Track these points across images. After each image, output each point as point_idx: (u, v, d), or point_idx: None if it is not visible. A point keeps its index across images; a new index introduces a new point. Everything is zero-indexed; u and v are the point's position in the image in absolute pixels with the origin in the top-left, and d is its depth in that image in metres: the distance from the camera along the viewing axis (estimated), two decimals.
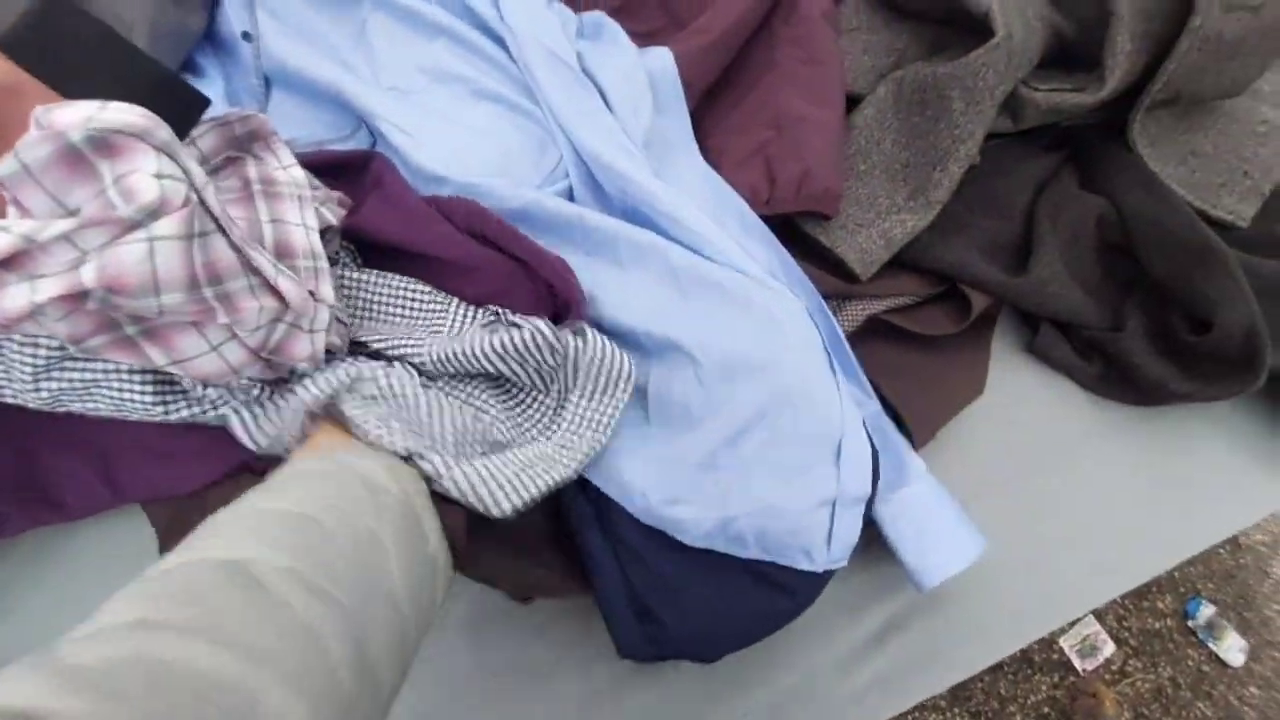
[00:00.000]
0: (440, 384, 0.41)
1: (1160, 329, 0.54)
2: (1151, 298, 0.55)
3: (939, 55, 0.55)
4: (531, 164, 0.49)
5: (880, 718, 0.47)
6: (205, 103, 0.36)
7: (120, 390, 0.38)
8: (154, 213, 0.29)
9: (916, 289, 0.54)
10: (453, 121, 0.49)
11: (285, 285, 0.34)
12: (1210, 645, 1.10)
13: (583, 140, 0.47)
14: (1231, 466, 0.56)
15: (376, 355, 0.41)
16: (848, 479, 0.39)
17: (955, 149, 0.51)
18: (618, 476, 0.40)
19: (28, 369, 0.37)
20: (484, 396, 0.42)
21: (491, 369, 0.40)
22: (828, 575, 0.40)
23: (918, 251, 0.54)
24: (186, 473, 0.41)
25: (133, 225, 0.29)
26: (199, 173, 0.31)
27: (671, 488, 0.39)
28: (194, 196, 0.30)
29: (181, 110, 0.35)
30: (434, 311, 0.43)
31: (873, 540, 0.45)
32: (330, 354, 0.39)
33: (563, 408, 0.41)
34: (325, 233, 0.40)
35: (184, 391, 0.39)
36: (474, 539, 0.36)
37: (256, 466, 0.41)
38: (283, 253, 0.37)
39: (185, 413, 0.39)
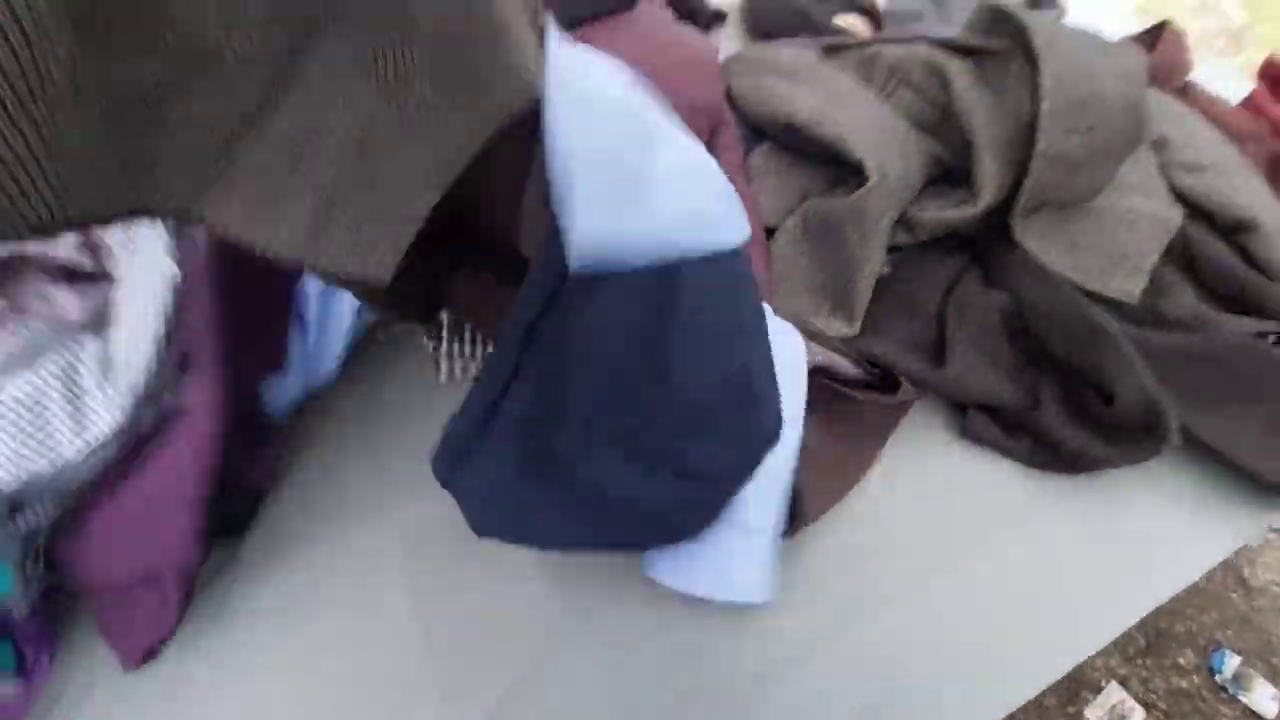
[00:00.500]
0: None
1: (1075, 402, 0.59)
2: (1063, 374, 0.60)
3: (838, 188, 0.64)
4: None
5: None
6: None
7: None
8: None
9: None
10: None
11: None
12: (1242, 698, 1.07)
13: None
14: (1175, 520, 0.59)
15: None
16: None
17: (860, 269, 0.58)
18: None
19: None
20: None
21: None
22: None
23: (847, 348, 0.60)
24: None
25: None
26: None
27: None
28: None
29: None
30: None
31: (835, 636, 0.48)
32: None
33: None
34: None
35: None
36: None
37: None
38: None
39: None
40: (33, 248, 0.42)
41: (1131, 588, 0.56)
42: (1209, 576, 1.07)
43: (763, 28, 0.93)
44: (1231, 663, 1.09)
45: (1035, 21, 0.60)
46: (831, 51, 0.75)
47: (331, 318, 0.52)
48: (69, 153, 0.22)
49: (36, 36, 0.20)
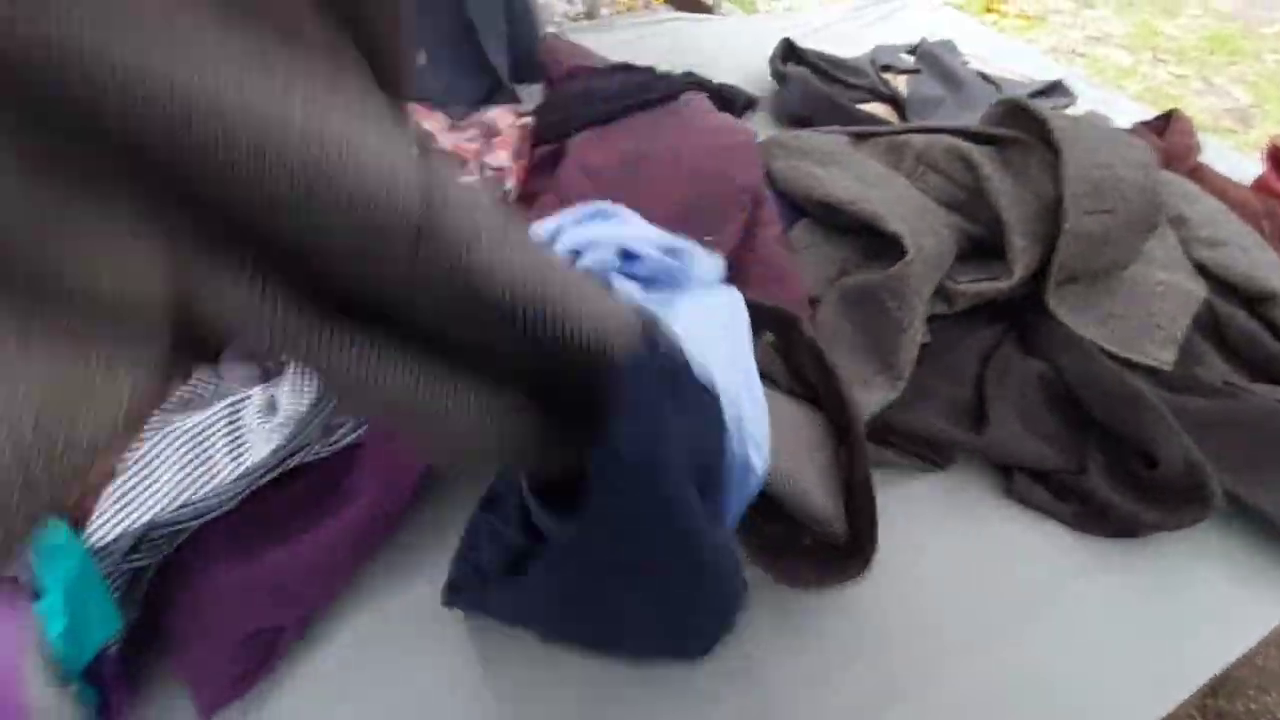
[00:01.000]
0: None
1: (1121, 466, 0.60)
2: (1108, 439, 0.62)
3: (876, 261, 0.68)
4: None
5: None
6: None
7: None
8: None
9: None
10: None
11: None
12: None
13: None
14: (1224, 588, 0.59)
15: None
16: None
17: (900, 336, 0.61)
18: None
19: None
20: None
21: None
22: None
23: (890, 417, 0.62)
24: None
25: None
26: None
27: None
28: None
29: None
30: None
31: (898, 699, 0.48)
32: None
33: None
34: None
35: None
36: None
37: None
38: None
39: None
40: None
41: (1183, 658, 0.55)
42: (1268, 655, 1.04)
43: (792, 113, 1.00)
44: None
45: (1053, 116, 0.66)
46: (860, 139, 0.80)
47: None
48: None
49: None
